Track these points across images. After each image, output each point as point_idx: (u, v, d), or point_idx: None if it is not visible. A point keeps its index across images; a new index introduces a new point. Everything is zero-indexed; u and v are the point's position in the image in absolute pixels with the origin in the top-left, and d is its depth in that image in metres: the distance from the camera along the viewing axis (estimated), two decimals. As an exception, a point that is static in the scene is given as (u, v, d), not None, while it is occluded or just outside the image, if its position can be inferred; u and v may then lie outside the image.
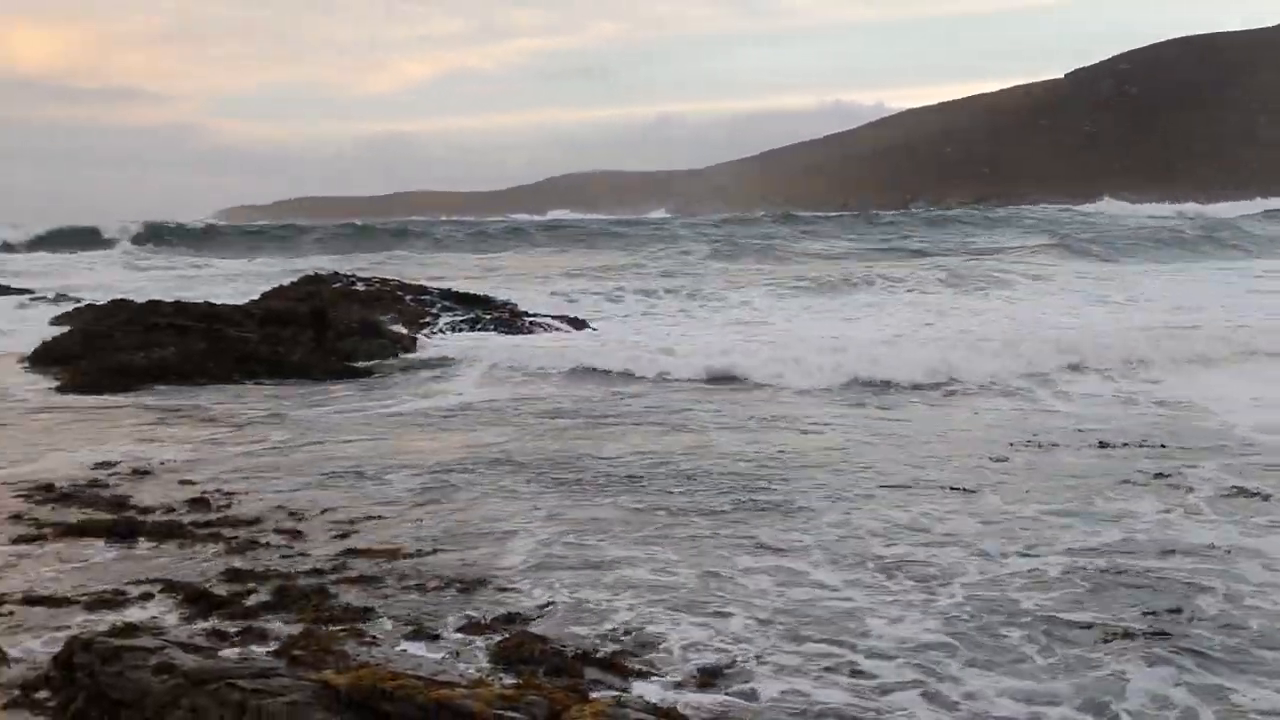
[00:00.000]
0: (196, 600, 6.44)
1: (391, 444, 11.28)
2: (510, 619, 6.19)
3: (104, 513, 8.37)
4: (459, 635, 5.96)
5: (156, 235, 58.20)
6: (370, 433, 11.92)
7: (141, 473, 9.86)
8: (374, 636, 5.92)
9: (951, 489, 9.07)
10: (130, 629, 5.70)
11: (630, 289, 28.75)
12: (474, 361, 16.48)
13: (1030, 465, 9.96)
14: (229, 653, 5.44)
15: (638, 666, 5.57)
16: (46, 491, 9.04)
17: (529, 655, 5.58)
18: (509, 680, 5.22)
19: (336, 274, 26.67)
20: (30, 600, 6.48)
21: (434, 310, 23.01)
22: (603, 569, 7.08)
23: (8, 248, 53.81)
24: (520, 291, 27.55)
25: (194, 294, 26.48)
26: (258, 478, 9.72)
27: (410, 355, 17.63)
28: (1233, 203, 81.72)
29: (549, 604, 6.47)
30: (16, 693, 5.27)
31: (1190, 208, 73.00)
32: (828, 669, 5.58)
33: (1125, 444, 10.66)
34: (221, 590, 6.59)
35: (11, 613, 6.30)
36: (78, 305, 25.11)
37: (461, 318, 22.36)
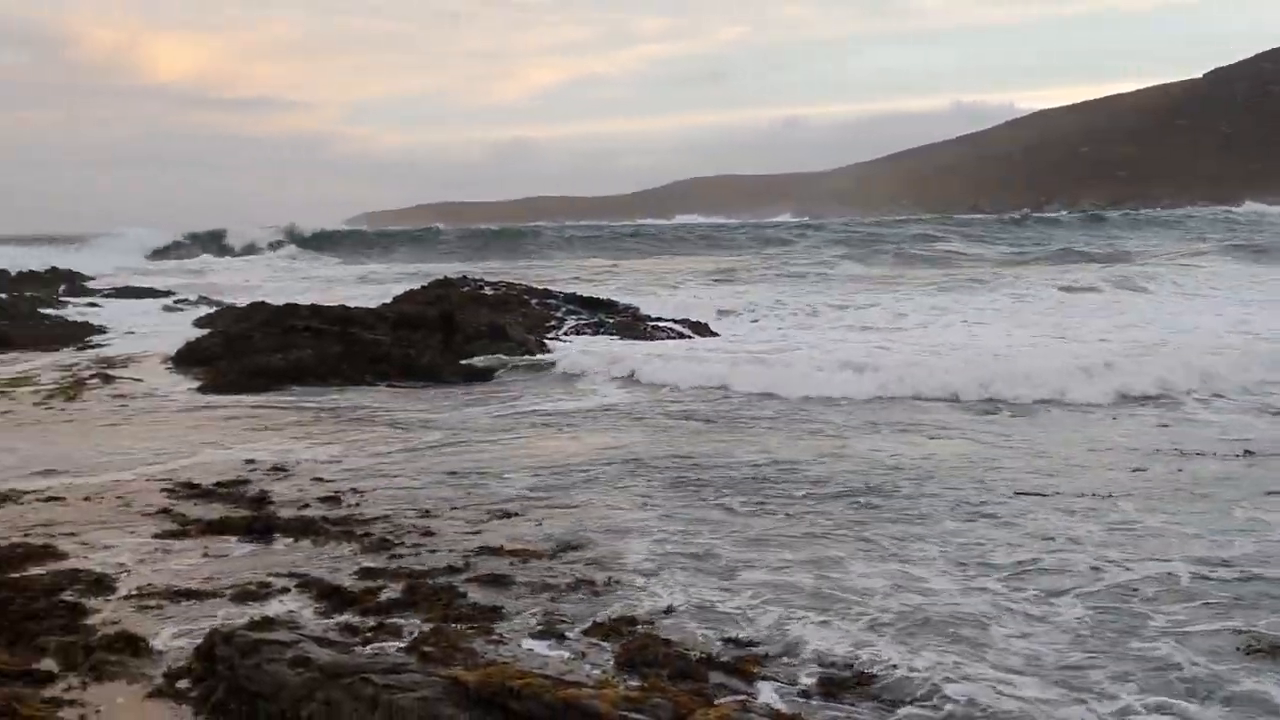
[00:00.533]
0: (330, 596, 6.60)
1: (518, 445, 11.43)
2: (634, 620, 6.21)
3: (243, 509, 8.65)
4: (584, 636, 6.00)
5: (294, 240, 60.05)
6: (497, 434, 12.09)
7: (280, 470, 10.17)
8: (501, 635, 6.00)
9: (1081, 496, 8.83)
10: (268, 623, 5.87)
11: (758, 292, 28.57)
12: (599, 365, 16.56)
13: (1170, 474, 9.63)
14: (361, 648, 5.57)
15: (763, 671, 5.54)
16: (189, 488, 9.39)
17: (653, 657, 5.59)
18: (633, 682, 5.24)
19: (465, 278, 27.14)
20: (174, 593, 6.73)
21: (559, 314, 23.25)
22: (726, 571, 7.07)
23: (164, 252, 55.94)
24: (644, 296, 27.64)
25: (329, 297, 27.26)
26: (390, 476, 9.94)
27: (536, 358, 17.83)
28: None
29: (673, 606, 6.47)
30: (160, 682, 5.47)
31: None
32: (956, 678, 5.46)
33: (1274, 455, 10.23)
34: (354, 586, 6.75)
35: (160, 606, 6.55)
36: (218, 308, 26.04)
37: (585, 321, 22.53)
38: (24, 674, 5.45)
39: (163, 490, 9.34)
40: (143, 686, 5.43)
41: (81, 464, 10.49)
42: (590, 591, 6.73)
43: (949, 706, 5.18)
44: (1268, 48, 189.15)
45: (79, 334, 23.04)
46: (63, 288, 35.28)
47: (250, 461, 10.58)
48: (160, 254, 55.82)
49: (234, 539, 7.89)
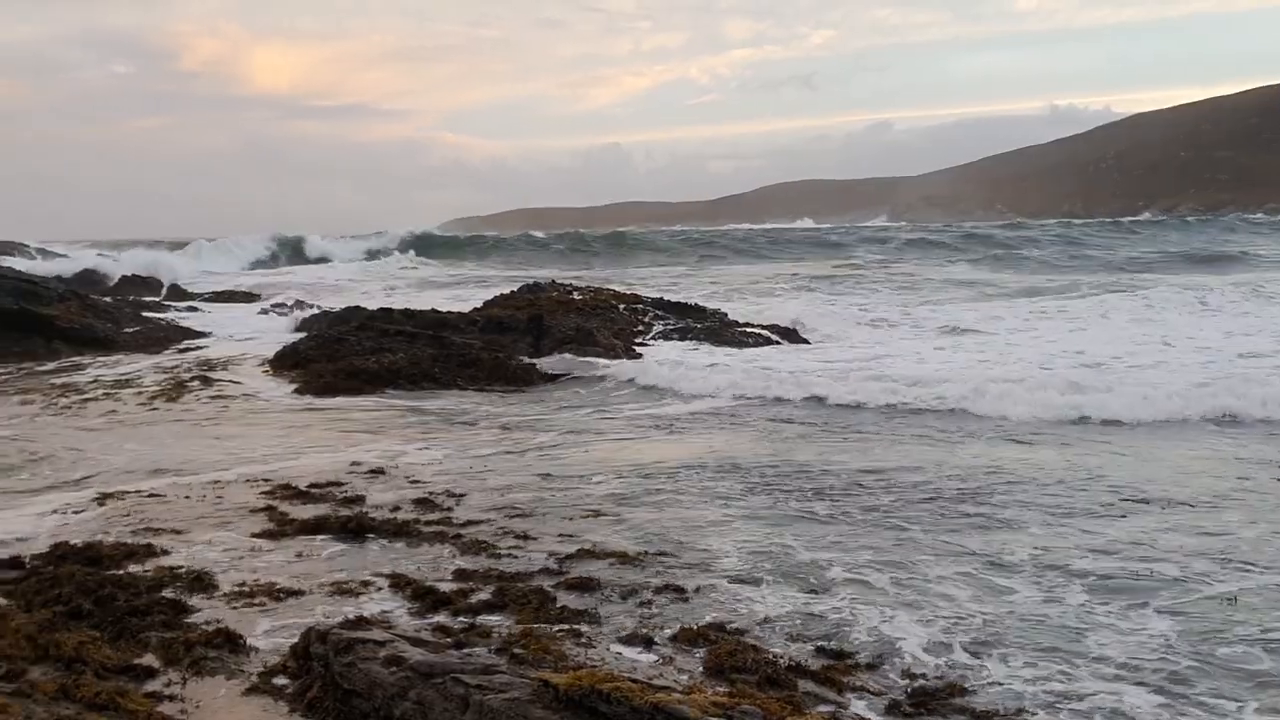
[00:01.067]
0: (423, 597, 6.69)
1: (609, 447, 11.49)
2: (723, 626, 6.20)
3: (339, 510, 8.80)
4: (672, 641, 6.00)
5: (389, 245, 60.98)
6: (588, 436, 12.17)
7: (375, 472, 10.33)
8: (590, 638, 6.02)
9: (1174, 505, 8.62)
10: (362, 622, 5.96)
11: (850, 298, 28.30)
12: (686, 371, 16.55)
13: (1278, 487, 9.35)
14: (453, 649, 5.63)
15: (852, 680, 5.49)
16: (287, 489, 9.57)
17: (742, 664, 5.56)
18: (721, 689, 5.22)
19: (554, 282, 27.32)
20: (271, 592, 6.86)
21: (646, 319, 23.29)
22: (815, 577, 7.01)
23: (262, 258, 57.14)
24: (733, 301, 27.57)
25: (422, 301, 27.63)
26: (483, 479, 10.05)
27: (622, 362, 17.88)
28: None
29: (761, 612, 6.44)
30: (257, 679, 5.59)
31: None
32: (1053, 694, 5.36)
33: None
34: (446, 588, 6.83)
35: (258, 603, 6.69)
36: (314, 311, 26.52)
37: (673, 326, 22.54)
38: (126, 669, 5.60)
39: (261, 491, 9.54)
40: (240, 683, 5.54)
41: (183, 464, 10.76)
42: (679, 596, 6.73)
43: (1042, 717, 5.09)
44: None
45: (179, 337, 23.65)
46: (164, 292, 36.23)
47: (347, 463, 10.76)
48: (259, 259, 57.07)
49: (329, 539, 8.04)
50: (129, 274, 40.52)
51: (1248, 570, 7.07)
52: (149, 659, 5.76)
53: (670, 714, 4.44)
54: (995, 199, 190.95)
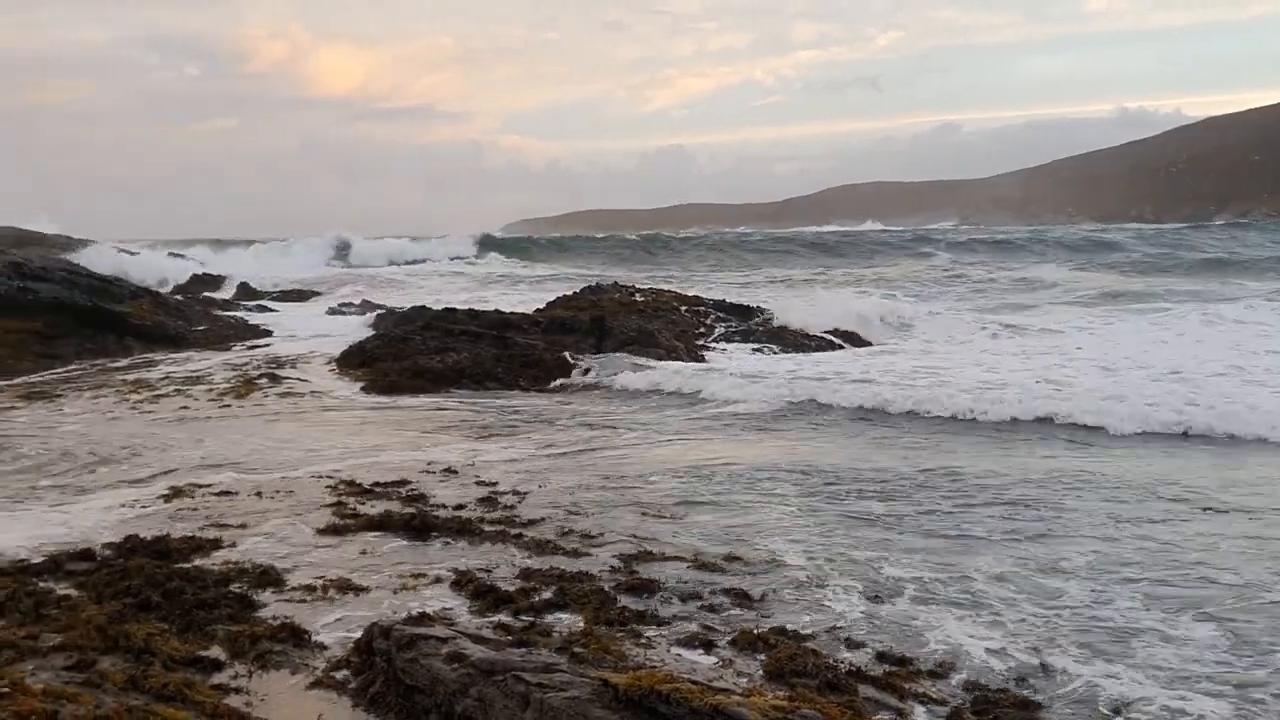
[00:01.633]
0: (484, 594, 6.72)
1: (671, 449, 11.48)
2: (783, 630, 6.17)
3: (403, 508, 8.88)
4: (732, 644, 5.98)
5: (452, 246, 61.49)
6: (651, 436, 12.18)
7: (438, 470, 10.40)
8: (650, 639, 6.02)
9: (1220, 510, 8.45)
10: (424, 618, 6.01)
11: (920, 304, 27.95)
12: (749, 375, 16.50)
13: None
14: (514, 647, 5.65)
15: (914, 688, 5.43)
16: (352, 486, 9.68)
17: (802, 668, 5.53)
18: (781, 693, 5.20)
19: (616, 284, 27.39)
20: (336, 587, 6.94)
21: (708, 321, 23.27)
22: (879, 583, 6.95)
23: (329, 257, 57.80)
24: (796, 303, 27.40)
25: (485, 301, 27.82)
26: (547, 478, 10.09)
27: (684, 364, 17.87)
28: None
29: (824, 617, 6.41)
30: (320, 673, 5.65)
31: None
32: (1117, 702, 5.27)
33: None
34: (508, 586, 6.86)
35: (322, 599, 6.76)
36: (379, 311, 26.80)
37: (735, 329, 22.49)
38: (194, 661, 5.69)
39: (327, 487, 9.66)
40: (305, 676, 5.61)
41: (251, 460, 10.92)
42: (740, 599, 6.71)
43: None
44: None
45: (248, 335, 24.03)
46: (233, 290, 36.82)
47: (411, 461, 10.86)
48: (325, 259, 57.76)
49: (393, 536, 8.11)
50: (198, 273, 41.25)
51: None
52: (215, 651, 5.86)
53: (730, 716, 4.42)
54: (1065, 202, 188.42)
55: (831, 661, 5.67)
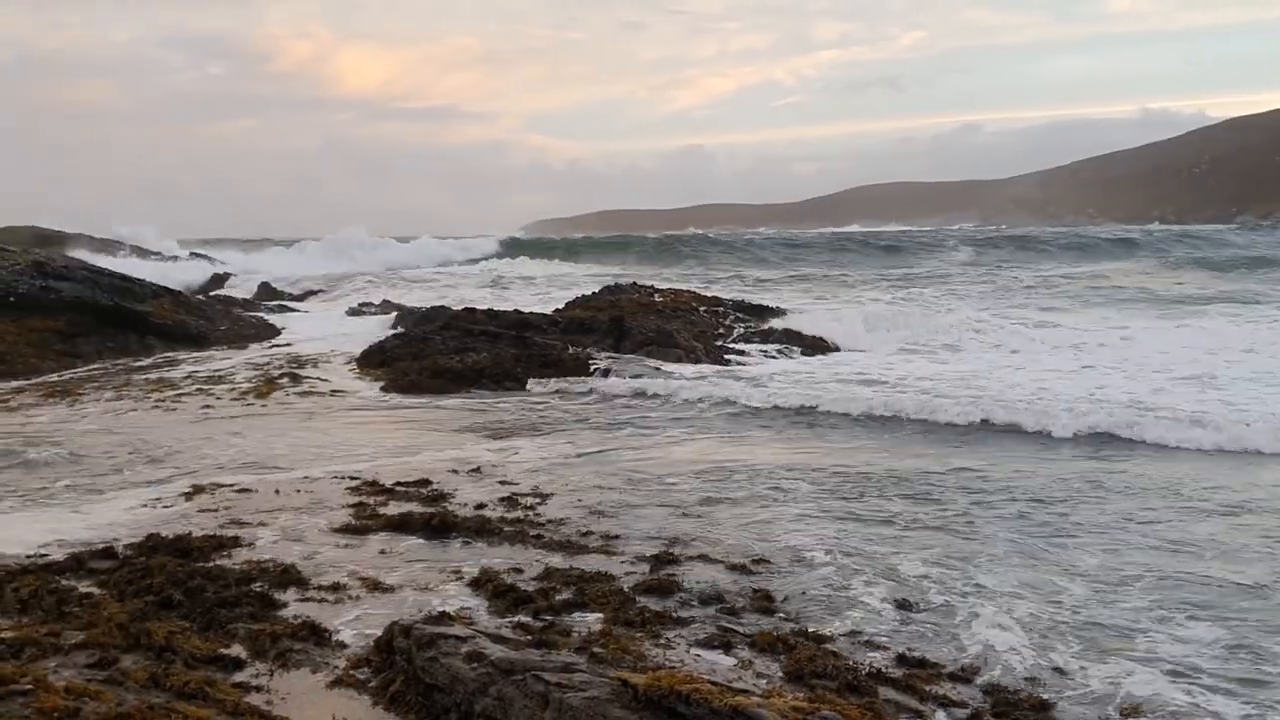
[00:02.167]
0: (504, 594, 6.72)
1: (689, 450, 11.47)
2: (803, 631, 6.15)
3: (424, 507, 8.89)
4: (752, 645, 5.96)
5: (473, 246, 61.64)
6: (675, 436, 12.17)
7: (457, 470, 10.42)
8: (669, 640, 6.01)
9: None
10: (444, 617, 6.02)
11: (941, 302, 27.78)
12: (768, 376, 16.48)
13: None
14: (533, 646, 5.65)
15: (934, 690, 5.41)
16: (372, 485, 9.70)
17: (822, 669, 5.51)
18: (801, 694, 5.18)
19: (635, 284, 27.39)
20: (356, 586, 6.96)
21: (727, 321, 23.24)
22: (901, 587, 6.93)
23: (350, 257, 57.95)
24: (814, 303, 27.35)
25: (504, 301, 27.86)
26: (565, 478, 10.09)
27: (704, 366, 17.85)
28: None
29: (843, 618, 6.39)
30: (341, 672, 5.66)
31: None
32: (1135, 702, 5.24)
33: None
34: (527, 586, 6.86)
35: (343, 598, 6.78)
36: (399, 311, 26.88)
37: (754, 329, 22.46)
38: (215, 659, 5.71)
39: (347, 487, 9.68)
40: (325, 675, 5.63)
41: (272, 460, 10.96)
42: (759, 600, 6.69)
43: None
44: None
45: (269, 335, 24.13)
46: (255, 290, 36.97)
47: (431, 461, 10.88)
48: (346, 259, 57.91)
49: (413, 536, 8.13)
50: (220, 273, 41.44)
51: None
52: (236, 650, 5.87)
53: (750, 717, 4.41)
54: (1086, 203, 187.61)
55: (851, 663, 5.65)
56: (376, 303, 31.52)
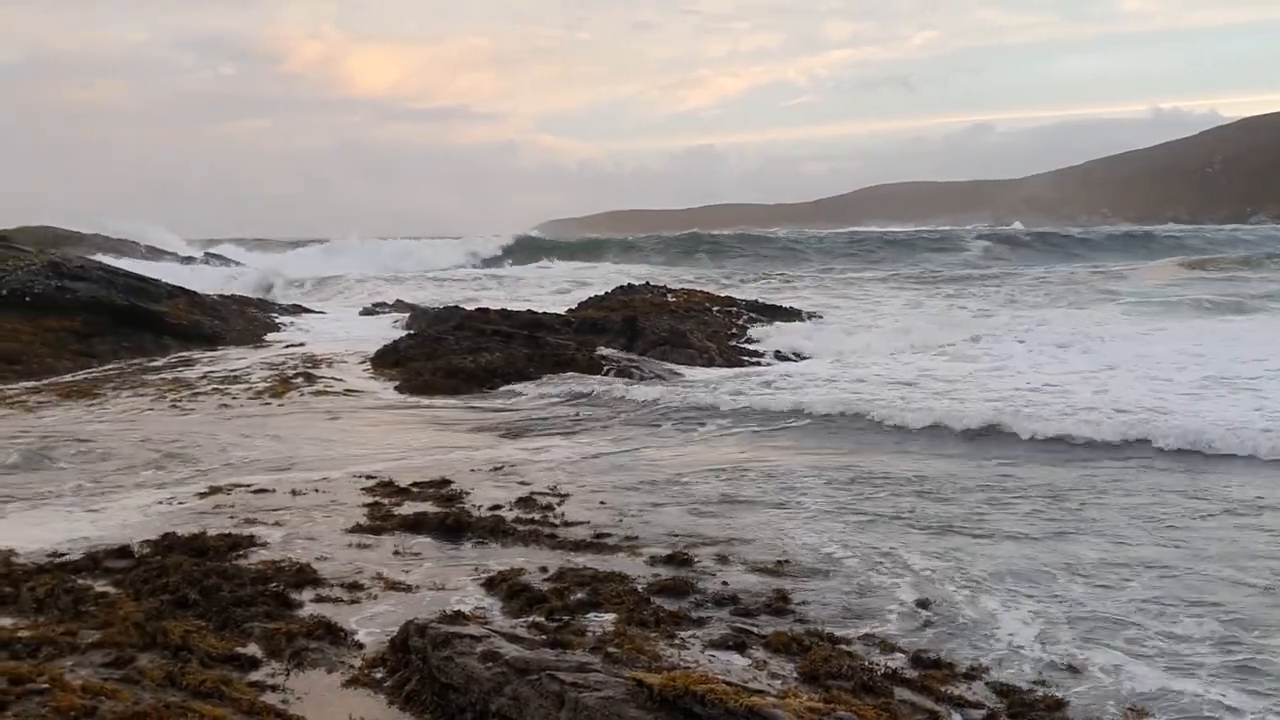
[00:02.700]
0: (518, 594, 6.73)
1: (706, 451, 11.46)
2: (818, 632, 6.14)
3: (439, 507, 8.90)
4: (766, 645, 5.96)
5: (483, 246, 61.71)
6: (683, 438, 12.17)
7: (472, 470, 10.43)
8: (684, 640, 6.01)
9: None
10: (459, 617, 6.03)
11: (963, 301, 27.58)
12: (786, 376, 16.46)
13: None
14: (548, 646, 5.65)
15: (950, 690, 5.40)
16: (387, 485, 9.72)
17: (837, 670, 5.51)
18: (816, 695, 5.17)
19: (648, 284, 27.40)
20: (372, 586, 6.98)
21: (740, 321, 23.24)
22: (918, 587, 6.92)
23: (366, 257, 58.11)
24: (828, 304, 27.31)
25: (517, 301, 27.90)
26: (581, 478, 10.11)
27: (716, 368, 17.85)
28: None
29: (857, 619, 6.38)
30: (356, 671, 5.68)
31: None
32: (1150, 699, 5.23)
33: None
34: (542, 586, 6.87)
35: (358, 597, 6.80)
36: (413, 311, 26.94)
37: (766, 329, 22.44)
38: (231, 658, 5.73)
39: (362, 487, 9.70)
40: (341, 674, 5.64)
41: (288, 459, 11.00)
42: (774, 601, 6.68)
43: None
44: None
45: (283, 334, 24.19)
46: (269, 290, 37.08)
47: (445, 461, 10.90)
48: (359, 260, 58.05)
49: (428, 536, 8.14)
50: (236, 273, 41.56)
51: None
52: (252, 649, 5.89)
53: (765, 718, 4.41)
54: (1099, 203, 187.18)
55: (867, 664, 5.65)
56: (390, 303, 31.59)
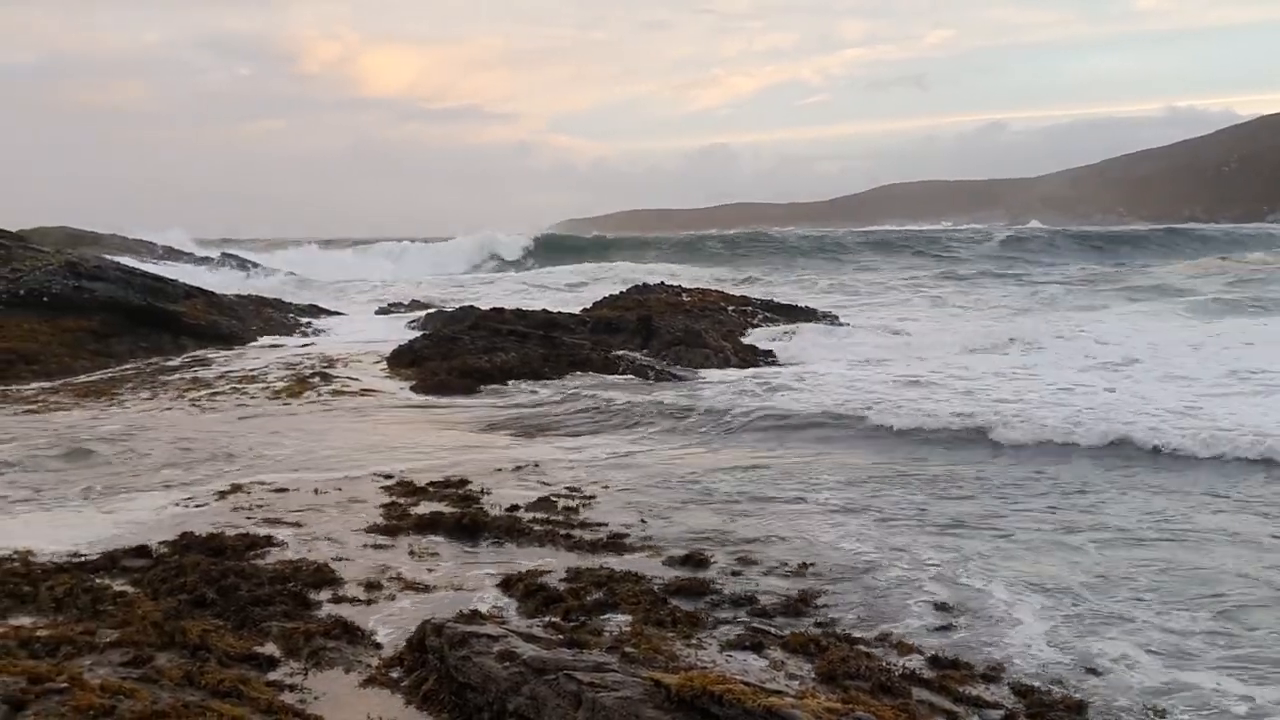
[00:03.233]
0: (534, 594, 6.74)
1: (721, 452, 11.44)
2: (835, 633, 6.13)
3: (455, 507, 8.90)
4: (784, 646, 5.94)
5: (498, 247, 61.73)
6: (699, 438, 12.15)
7: (491, 470, 10.43)
8: (700, 641, 6.00)
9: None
10: (476, 616, 6.03)
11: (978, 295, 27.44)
12: (803, 376, 16.42)
13: None
14: (564, 646, 5.65)
15: (968, 691, 5.38)
16: (404, 485, 9.73)
17: (855, 670, 5.50)
18: (834, 695, 5.16)
19: (663, 283, 27.36)
20: (389, 585, 6.99)
21: (755, 320, 23.19)
22: (936, 588, 6.90)
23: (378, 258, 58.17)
24: (845, 303, 27.25)
25: (532, 301, 27.90)
26: (597, 478, 10.10)
27: (731, 368, 17.82)
28: None
29: (875, 619, 6.37)
30: (374, 671, 5.68)
31: None
32: (1169, 701, 5.20)
33: None
34: (559, 586, 6.87)
35: (376, 597, 6.81)
36: (428, 311, 26.97)
37: (782, 329, 22.39)
38: (249, 657, 5.74)
39: (380, 487, 9.72)
40: (359, 674, 5.65)
41: (304, 458, 11.02)
42: (792, 600, 6.67)
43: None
44: None
45: (299, 334, 24.23)
46: (285, 290, 37.16)
47: (460, 460, 10.90)
48: (374, 260, 58.19)
49: (445, 535, 8.15)
50: (251, 273, 41.69)
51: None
52: (270, 648, 5.91)
53: (783, 718, 4.40)
54: (1115, 202, 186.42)
55: (885, 664, 5.64)
56: (405, 302, 31.63)
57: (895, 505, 9.01)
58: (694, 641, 5.98)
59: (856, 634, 6.13)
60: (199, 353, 20.47)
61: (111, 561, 7.35)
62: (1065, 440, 11.34)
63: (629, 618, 6.32)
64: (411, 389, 16.03)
